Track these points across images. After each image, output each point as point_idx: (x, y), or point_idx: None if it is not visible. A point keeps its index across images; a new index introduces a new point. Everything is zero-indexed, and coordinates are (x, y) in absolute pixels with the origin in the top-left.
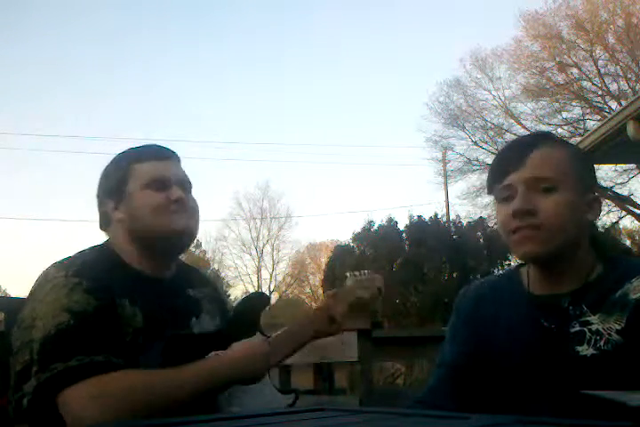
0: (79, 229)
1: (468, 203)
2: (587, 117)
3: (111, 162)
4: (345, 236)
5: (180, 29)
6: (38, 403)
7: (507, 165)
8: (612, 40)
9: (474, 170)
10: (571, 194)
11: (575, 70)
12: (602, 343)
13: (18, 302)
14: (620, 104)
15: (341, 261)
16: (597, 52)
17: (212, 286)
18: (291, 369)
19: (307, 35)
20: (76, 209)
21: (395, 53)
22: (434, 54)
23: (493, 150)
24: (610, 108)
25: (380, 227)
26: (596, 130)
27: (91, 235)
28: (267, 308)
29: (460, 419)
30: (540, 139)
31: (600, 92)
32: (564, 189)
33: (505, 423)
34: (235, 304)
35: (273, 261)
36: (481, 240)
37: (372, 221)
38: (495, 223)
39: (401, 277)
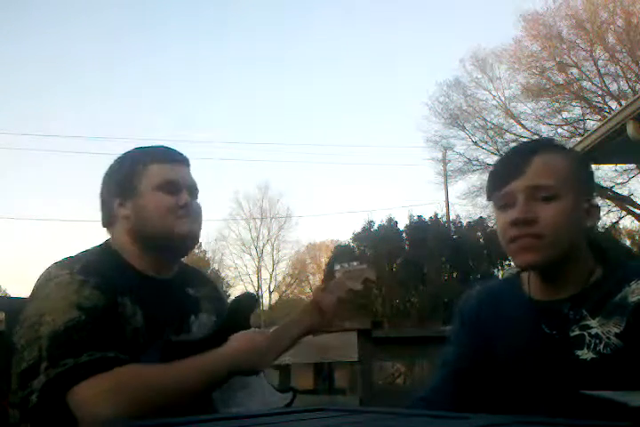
0: (79, 229)
1: (468, 203)
2: (587, 117)
3: (121, 159)
4: (345, 236)
5: (181, 29)
6: (47, 399)
7: (506, 172)
8: (612, 40)
9: (474, 170)
10: (570, 202)
11: (575, 70)
12: (601, 347)
13: (18, 302)
14: (619, 104)
15: (341, 261)
16: (597, 52)
17: (212, 286)
18: (291, 369)
19: (307, 35)
20: (77, 209)
21: (395, 53)
22: (434, 54)
23: (493, 150)
24: (610, 108)
25: (380, 227)
26: (596, 130)
27: (91, 235)
28: (255, 309)
29: (459, 419)
30: (539, 146)
31: (600, 92)
32: (563, 197)
33: (504, 424)
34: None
35: (273, 261)
36: (481, 240)
37: (372, 221)
38: (495, 224)
39: (401, 277)
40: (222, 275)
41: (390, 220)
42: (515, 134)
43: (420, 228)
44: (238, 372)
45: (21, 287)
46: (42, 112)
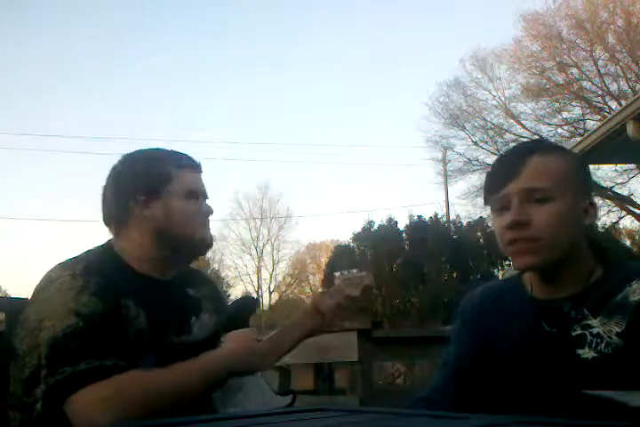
0: (79, 230)
1: (468, 203)
2: (587, 117)
3: (145, 160)
4: (345, 236)
5: (181, 29)
6: (49, 408)
7: (501, 176)
8: (612, 40)
9: (474, 170)
10: (566, 202)
11: (575, 70)
12: (602, 346)
13: (18, 303)
14: (619, 104)
15: (341, 261)
16: (597, 52)
17: (212, 286)
18: (291, 369)
19: (307, 35)
20: (77, 209)
21: (395, 53)
22: (434, 54)
23: (493, 150)
24: (610, 108)
25: (380, 227)
26: (596, 130)
27: (91, 235)
28: (255, 311)
29: (459, 419)
30: (533, 148)
31: (600, 92)
32: (558, 198)
33: (504, 424)
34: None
35: (273, 261)
36: (481, 240)
37: (372, 221)
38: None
39: (401, 277)
40: (222, 275)
41: (390, 220)
42: (515, 134)
43: (419, 228)
44: (237, 372)
45: (21, 287)
46: (42, 112)
